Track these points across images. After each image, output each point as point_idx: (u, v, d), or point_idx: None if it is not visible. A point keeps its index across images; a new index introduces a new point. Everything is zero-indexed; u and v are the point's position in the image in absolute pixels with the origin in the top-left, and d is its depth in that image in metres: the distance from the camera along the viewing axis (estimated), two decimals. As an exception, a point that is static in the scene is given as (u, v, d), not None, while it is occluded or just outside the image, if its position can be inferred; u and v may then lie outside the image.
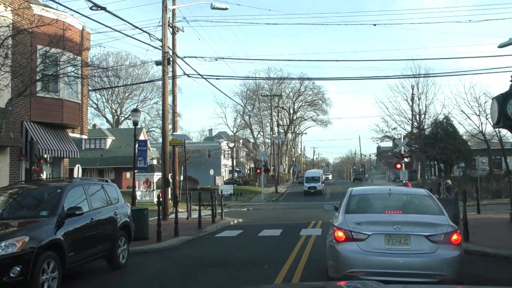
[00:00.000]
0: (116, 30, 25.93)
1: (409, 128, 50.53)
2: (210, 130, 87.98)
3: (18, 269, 7.53)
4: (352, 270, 7.26)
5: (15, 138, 17.13)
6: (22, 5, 16.91)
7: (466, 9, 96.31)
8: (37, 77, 15.62)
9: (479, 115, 44.33)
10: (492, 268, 10.55)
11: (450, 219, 7.95)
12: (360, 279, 6.67)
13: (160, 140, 34.06)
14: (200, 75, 27.16)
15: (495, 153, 47.13)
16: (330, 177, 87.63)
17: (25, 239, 7.74)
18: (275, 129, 73.84)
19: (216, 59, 26.96)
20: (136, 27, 21.02)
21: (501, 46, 22.13)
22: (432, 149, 43.60)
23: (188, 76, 26.31)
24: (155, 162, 44.11)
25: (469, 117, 45.60)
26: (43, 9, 17.84)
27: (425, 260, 7.18)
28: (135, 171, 24.27)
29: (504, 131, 40.70)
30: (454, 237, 7.34)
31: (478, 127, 45.64)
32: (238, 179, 68.68)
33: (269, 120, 72.96)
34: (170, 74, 23.90)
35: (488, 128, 45.43)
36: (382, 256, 7.25)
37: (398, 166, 30.50)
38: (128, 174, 51.10)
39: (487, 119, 42.22)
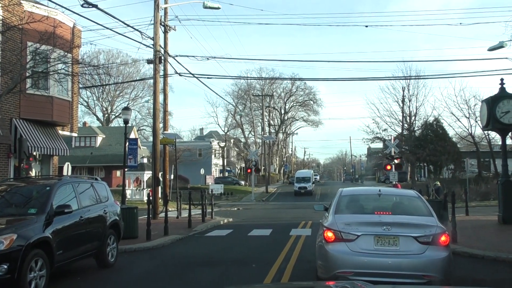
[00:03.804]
0: (107, 28, 25.87)
1: (399, 130, 50.84)
2: (201, 129, 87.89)
3: (5, 267, 7.46)
4: (341, 271, 7.28)
5: (4, 135, 17.00)
6: (12, 1, 16.77)
7: (457, 12, 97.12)
8: (27, 74, 15.51)
9: (468, 118, 44.78)
10: (480, 270, 10.63)
11: (439, 220, 8.00)
12: (349, 280, 6.69)
13: (151, 138, 33.93)
14: (192, 74, 27.15)
15: (484, 155, 47.53)
16: (318, 177, 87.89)
17: (12, 237, 7.68)
18: (266, 129, 73.85)
19: (208, 59, 26.95)
20: (128, 25, 21.01)
21: (491, 49, 22.35)
22: (422, 150, 43.86)
23: (180, 75, 26.31)
24: (145, 160, 43.99)
25: (458, 120, 46.05)
26: (33, 5, 17.72)
27: (413, 261, 7.22)
28: (125, 169, 24.17)
29: (493, 134, 41.08)
30: (443, 238, 7.39)
31: (468, 130, 46.11)
32: (232, 177, 68.63)
33: (260, 120, 72.96)
34: (161, 73, 23.83)
35: (478, 131, 45.87)
36: (371, 257, 7.27)
37: (388, 167, 30.64)
38: (118, 173, 50.84)
39: (476, 121, 42.61)
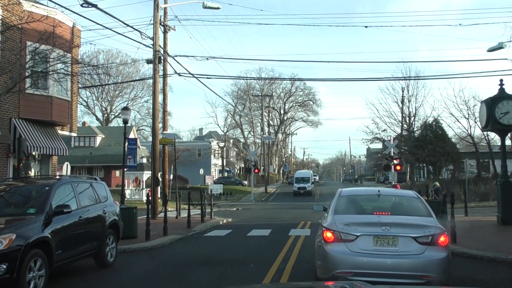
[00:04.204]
0: (107, 28, 25.79)
1: (399, 130, 50.88)
2: (201, 130, 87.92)
3: (4, 266, 7.46)
4: (340, 271, 7.28)
5: (3, 134, 16.99)
6: (12, 0, 16.75)
7: (457, 13, 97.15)
8: (27, 74, 15.49)
9: (468, 118, 44.85)
10: (479, 270, 10.63)
11: (438, 221, 8.00)
12: (348, 280, 6.69)
13: (150, 138, 33.94)
14: (191, 74, 27.19)
15: (483, 156, 47.58)
16: (317, 178, 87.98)
17: (12, 237, 7.67)
18: (266, 129, 73.90)
19: (207, 59, 26.94)
20: (128, 25, 21.01)
21: (490, 50, 22.35)
22: (421, 151, 43.88)
23: (179, 75, 26.32)
24: (144, 160, 43.94)
25: (458, 120, 46.14)
26: (33, 5, 17.70)
27: (412, 261, 7.23)
28: (125, 169, 24.14)
29: (492, 135, 41.14)
30: (442, 238, 7.40)
31: (467, 130, 46.20)
32: (236, 178, 68.52)
33: (260, 120, 73.00)
34: (161, 73, 23.82)
35: (477, 131, 45.97)
36: (370, 257, 7.28)
37: (388, 167, 30.67)
38: (117, 173, 50.84)
39: (475, 122, 42.68)
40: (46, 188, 9.43)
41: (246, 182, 65.10)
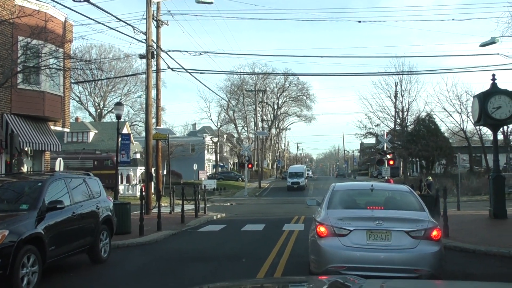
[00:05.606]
0: (99, 23, 25.68)
1: (392, 125, 51.05)
2: (194, 125, 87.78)
3: (-2, 263, 7.43)
4: (333, 265, 7.32)
5: (-5, 130, 16.88)
6: (3, -5, 16.60)
7: (450, 8, 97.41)
8: (18, 69, 15.38)
9: (460, 113, 45.13)
10: (471, 264, 10.71)
11: (431, 215, 8.05)
12: (342, 274, 6.72)
13: (144, 134, 33.81)
14: (185, 69, 27.09)
15: (476, 150, 47.88)
16: (310, 173, 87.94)
17: (4, 233, 7.64)
18: (259, 124, 73.80)
19: (200, 53, 26.89)
20: (120, 20, 20.88)
21: (483, 45, 22.43)
22: (414, 146, 44.08)
23: (172, 70, 26.19)
24: (138, 156, 43.82)
25: (451, 115, 46.41)
26: (24, -1, 17.56)
27: (405, 255, 7.27)
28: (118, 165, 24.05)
29: (484, 129, 41.43)
30: (434, 233, 7.45)
31: (460, 125, 46.49)
32: (236, 173, 68.34)
33: (253, 115, 72.87)
34: (154, 68, 23.73)
35: (469, 126, 46.27)
36: (363, 252, 7.32)
37: (381, 162, 30.75)
38: (110, 168, 50.63)
39: (468, 117, 42.94)
40: (39, 184, 9.40)
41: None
